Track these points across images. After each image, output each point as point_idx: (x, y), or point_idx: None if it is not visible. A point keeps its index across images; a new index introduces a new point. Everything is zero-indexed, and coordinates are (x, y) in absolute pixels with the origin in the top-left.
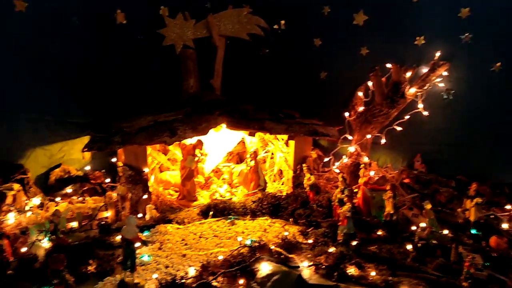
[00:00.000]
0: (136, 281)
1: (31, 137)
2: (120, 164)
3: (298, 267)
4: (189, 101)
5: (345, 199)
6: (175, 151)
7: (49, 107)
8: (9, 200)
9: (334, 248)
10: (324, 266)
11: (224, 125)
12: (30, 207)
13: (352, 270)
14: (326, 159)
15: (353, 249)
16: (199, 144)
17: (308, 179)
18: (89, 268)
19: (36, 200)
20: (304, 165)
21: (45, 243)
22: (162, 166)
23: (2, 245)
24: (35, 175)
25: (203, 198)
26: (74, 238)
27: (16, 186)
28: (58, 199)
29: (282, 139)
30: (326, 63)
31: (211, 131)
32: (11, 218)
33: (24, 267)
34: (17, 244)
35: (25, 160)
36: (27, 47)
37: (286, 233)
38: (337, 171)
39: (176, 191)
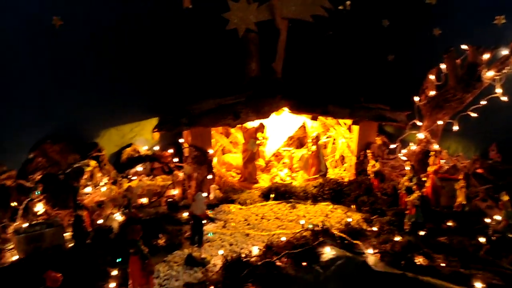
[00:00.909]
0: (203, 256)
1: (106, 117)
2: (186, 145)
3: (363, 253)
4: (251, 85)
5: (414, 187)
6: (237, 134)
7: (122, 89)
8: (86, 175)
9: (400, 237)
10: (390, 254)
11: (286, 109)
12: (105, 183)
13: (420, 260)
14: (392, 146)
15: (421, 239)
16: (261, 127)
17: (373, 166)
18: (159, 241)
19: (110, 177)
20: (368, 151)
21: (119, 217)
22: (225, 148)
23: (82, 216)
24: (109, 153)
25: (263, 181)
26: (144, 213)
27: (93, 163)
28: (129, 176)
29: (345, 124)
30: (394, 45)
31: (273, 115)
32: (88, 193)
33: (100, 238)
34: (94, 216)
35: (100, 139)
36: (105, 32)
37: (349, 219)
38: (404, 158)
39: (238, 173)
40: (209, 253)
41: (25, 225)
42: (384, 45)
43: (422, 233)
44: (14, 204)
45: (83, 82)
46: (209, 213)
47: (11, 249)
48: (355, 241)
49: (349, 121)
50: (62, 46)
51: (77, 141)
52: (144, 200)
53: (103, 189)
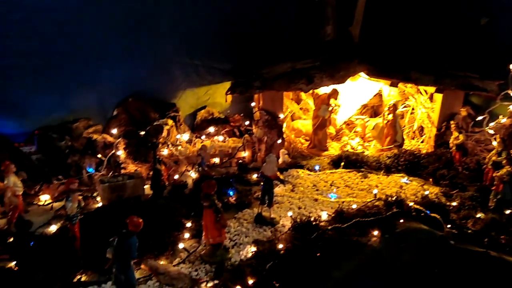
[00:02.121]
0: (272, 216)
1: (183, 79)
2: (255, 109)
3: (442, 228)
4: (327, 49)
5: (504, 162)
6: (308, 100)
7: (198, 53)
8: (164, 133)
9: (483, 214)
10: (471, 231)
11: (363, 74)
12: (180, 142)
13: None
14: (478, 118)
15: (507, 217)
16: (335, 93)
17: (456, 138)
18: (230, 199)
19: (185, 136)
20: (452, 122)
21: (193, 174)
22: (294, 114)
23: (161, 170)
24: (184, 114)
25: (333, 149)
26: (216, 172)
27: (170, 122)
28: (203, 137)
29: (426, 92)
30: (488, 8)
31: (348, 80)
32: (166, 149)
33: (176, 192)
34: (170, 172)
35: (177, 100)
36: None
37: (426, 192)
38: (491, 132)
39: (307, 140)
40: (278, 214)
41: (109, 175)
42: (477, 6)
43: (508, 211)
44: (99, 156)
45: (164, 45)
46: (280, 175)
47: (96, 196)
48: (432, 214)
49: (431, 89)
50: (144, 8)
51: (157, 100)
52: (216, 160)
53: (179, 147)
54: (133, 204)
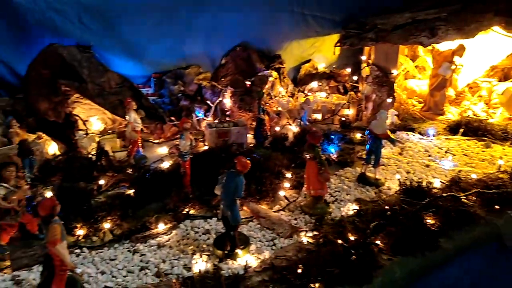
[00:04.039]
0: (377, 176)
1: (290, 30)
2: (364, 65)
3: None
4: None
5: None
6: (426, 57)
7: (308, 2)
8: (268, 85)
9: None
10: None
11: (497, 29)
12: (283, 95)
13: None
14: None
15: None
16: (460, 49)
17: None
18: (331, 156)
19: (288, 89)
20: None
21: (294, 128)
22: (408, 73)
23: (264, 120)
24: (288, 67)
25: (450, 113)
26: (317, 128)
27: (274, 74)
28: (305, 91)
29: None
30: None
31: (479, 35)
32: (269, 100)
33: (276, 143)
34: (272, 123)
35: (282, 52)
36: None
37: None
38: None
39: (420, 102)
40: (383, 176)
41: (216, 121)
42: None
43: None
44: (208, 102)
45: None
46: (391, 134)
47: (203, 139)
48: None
49: None
50: None
51: (263, 51)
52: (318, 116)
53: (282, 100)
54: (237, 150)
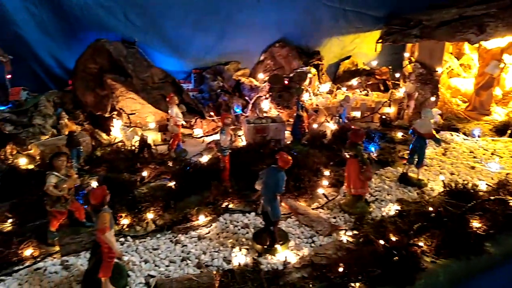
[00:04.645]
0: (419, 177)
1: (330, 26)
2: (406, 62)
3: None
4: None
5: None
6: (472, 54)
7: None
8: (306, 81)
9: None
10: None
11: None
12: (321, 92)
13: None
14: None
15: None
16: (510, 47)
17: None
18: (371, 155)
19: (326, 86)
20: None
21: (332, 125)
22: (452, 71)
23: (302, 116)
24: (327, 63)
25: (497, 114)
26: (356, 126)
27: (313, 71)
28: (344, 89)
29: None
30: None
31: None
32: (307, 98)
33: (314, 141)
34: (310, 120)
35: (321, 48)
36: None
37: None
38: None
39: (464, 101)
40: (426, 177)
41: (254, 117)
42: None
43: None
44: (246, 98)
45: None
46: (436, 134)
47: (240, 135)
48: None
49: None
50: None
51: (301, 48)
52: (357, 114)
53: (320, 97)
54: (274, 145)
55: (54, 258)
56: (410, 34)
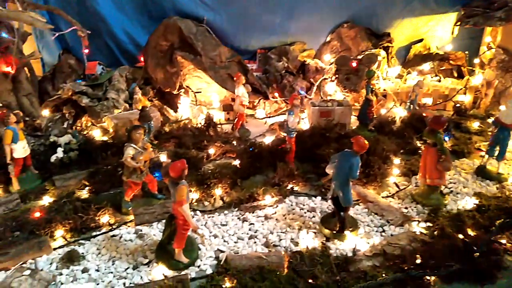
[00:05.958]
0: (499, 170)
1: (402, 7)
2: (485, 47)
3: None
4: None
5: None
6: None
7: None
8: (375, 64)
9: None
10: None
11: None
12: (389, 76)
13: None
14: None
15: None
16: None
17: None
18: (445, 144)
19: (395, 70)
20: None
21: (401, 111)
22: None
23: (371, 101)
24: (397, 46)
25: None
26: (427, 114)
27: (382, 53)
28: (414, 73)
29: None
30: None
31: None
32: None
33: (382, 127)
34: (378, 105)
35: (392, 30)
36: None
37: None
38: None
39: None
40: (506, 171)
41: (319, 100)
42: None
43: None
44: (310, 79)
45: None
46: None
47: (303, 118)
48: None
49: None
50: None
51: (371, 29)
52: (428, 101)
53: (388, 81)
54: (340, 130)
55: (129, 226)
56: (494, 17)
